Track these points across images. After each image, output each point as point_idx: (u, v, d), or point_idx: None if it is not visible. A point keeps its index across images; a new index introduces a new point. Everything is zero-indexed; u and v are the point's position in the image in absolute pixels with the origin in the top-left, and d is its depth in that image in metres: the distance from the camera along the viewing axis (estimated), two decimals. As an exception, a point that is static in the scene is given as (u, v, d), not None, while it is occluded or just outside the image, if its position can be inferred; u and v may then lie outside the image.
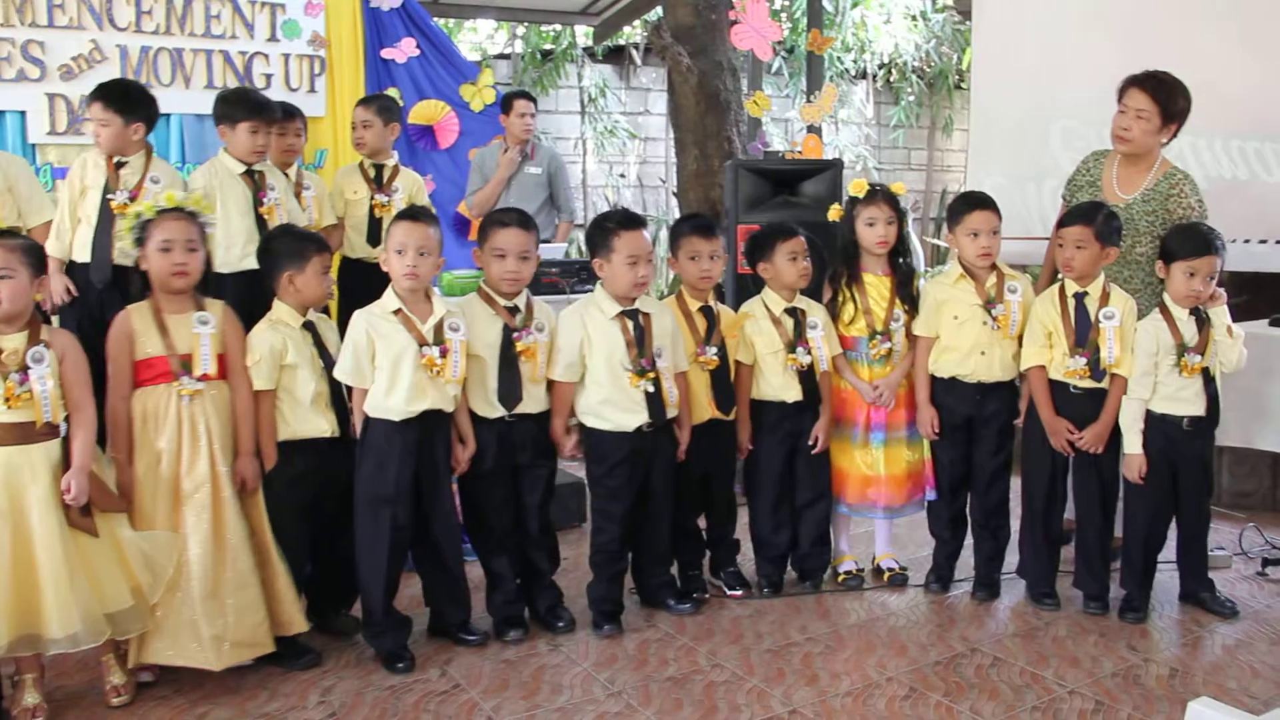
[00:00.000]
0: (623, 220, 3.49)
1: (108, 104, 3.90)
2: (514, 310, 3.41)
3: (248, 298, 3.63)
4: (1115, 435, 3.58)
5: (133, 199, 3.87)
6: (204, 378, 3.08)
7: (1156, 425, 3.50)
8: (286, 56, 5.90)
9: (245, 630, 3.08)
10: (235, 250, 3.98)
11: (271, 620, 3.16)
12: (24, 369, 2.80)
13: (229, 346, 3.17)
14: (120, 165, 3.95)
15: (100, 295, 3.88)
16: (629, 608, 3.64)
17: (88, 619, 2.80)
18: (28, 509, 2.79)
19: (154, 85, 5.33)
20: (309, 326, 3.32)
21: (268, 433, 3.22)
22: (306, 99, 5.78)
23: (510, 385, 3.37)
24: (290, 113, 4.55)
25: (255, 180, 4.07)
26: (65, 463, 2.86)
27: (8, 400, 2.78)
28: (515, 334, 3.37)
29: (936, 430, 3.76)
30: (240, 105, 4.08)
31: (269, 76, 5.84)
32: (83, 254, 3.92)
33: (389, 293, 3.27)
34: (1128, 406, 3.53)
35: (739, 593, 3.81)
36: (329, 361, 3.29)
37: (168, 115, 5.38)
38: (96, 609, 2.83)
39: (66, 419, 2.89)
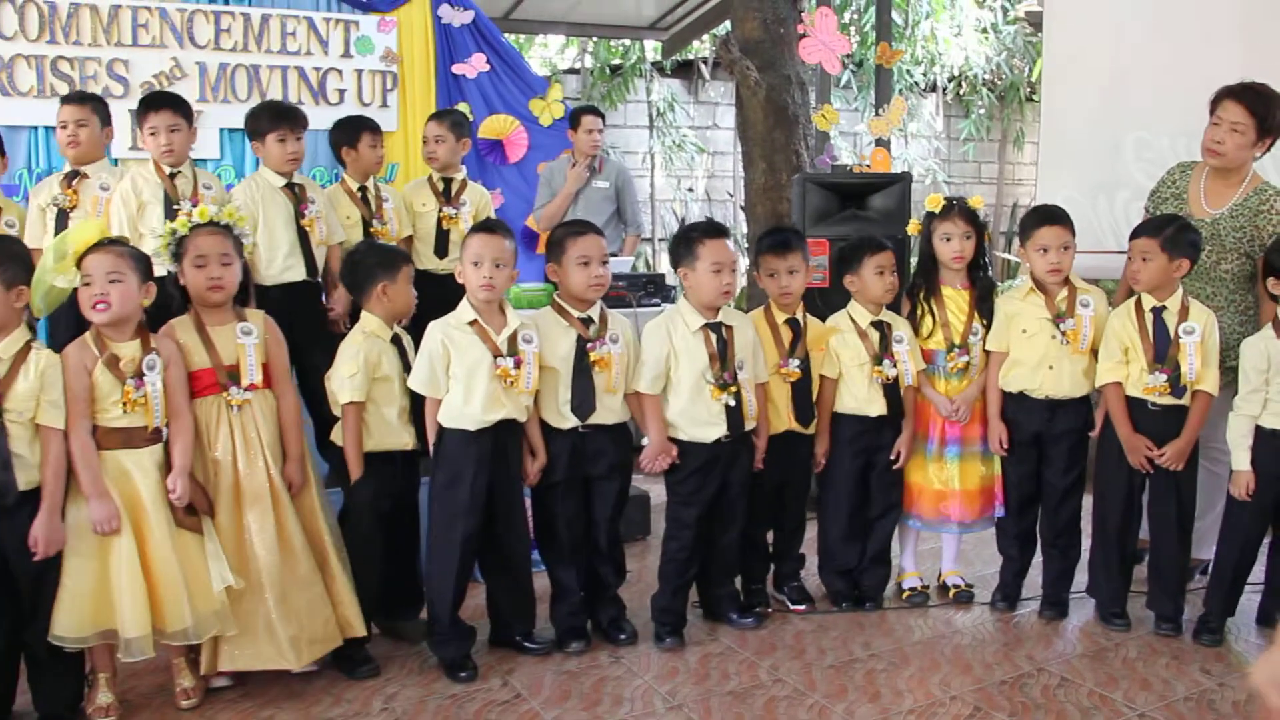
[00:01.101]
0: (707, 229, 3.50)
1: (177, 110, 4.01)
2: (587, 321, 3.42)
3: (289, 309, 3.70)
4: (1193, 453, 3.51)
5: (195, 206, 3.97)
6: (251, 387, 3.12)
7: (1268, 441, 3.40)
8: (360, 72, 6.02)
9: (317, 627, 3.13)
10: (277, 263, 4.05)
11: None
12: (140, 375, 2.90)
13: (271, 355, 3.22)
14: (173, 177, 4.04)
15: (177, 306, 3.96)
16: (691, 621, 3.63)
17: (198, 615, 2.90)
18: (145, 510, 2.89)
19: (231, 101, 5.47)
20: (396, 339, 3.37)
21: (356, 445, 3.26)
22: (379, 114, 5.87)
23: (584, 396, 3.38)
24: (374, 128, 4.62)
25: (296, 193, 4.14)
26: (164, 466, 2.96)
27: (126, 405, 2.87)
28: (589, 345, 3.38)
29: (1006, 446, 3.71)
30: (264, 117, 4.16)
31: (342, 92, 5.97)
32: (159, 268, 4.00)
33: (464, 304, 3.30)
34: (1235, 423, 3.44)
35: (802, 608, 3.79)
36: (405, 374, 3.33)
37: (243, 131, 5.50)
38: (204, 605, 2.93)
39: (166, 424, 2.98)
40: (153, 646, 2.87)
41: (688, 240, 3.49)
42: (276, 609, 3.05)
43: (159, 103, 4.06)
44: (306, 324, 3.97)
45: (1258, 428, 3.41)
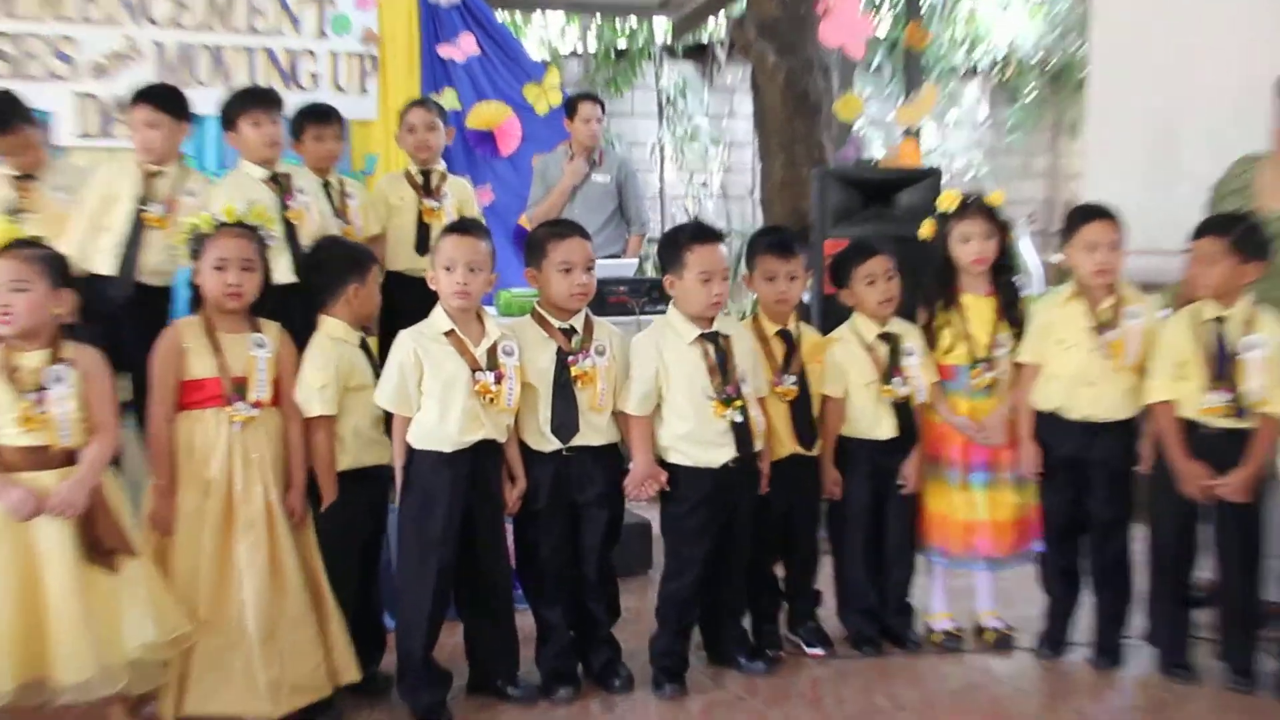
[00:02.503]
0: (695, 233, 3.49)
1: (159, 105, 4.03)
2: (569, 332, 3.41)
3: (279, 314, 3.68)
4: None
5: (169, 211, 4.00)
6: (258, 404, 3.13)
7: None
8: (335, 55, 6.05)
9: (303, 673, 3.11)
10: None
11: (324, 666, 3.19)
12: (42, 389, 2.86)
13: (283, 372, 3.23)
14: (154, 175, 4.06)
15: (120, 311, 3.95)
16: (694, 665, 3.60)
17: (103, 665, 2.83)
18: (36, 542, 2.84)
19: (191, 85, 5.47)
20: (364, 345, 3.37)
21: (328, 464, 3.25)
22: (357, 101, 5.91)
23: (566, 415, 3.37)
24: (326, 114, 4.61)
25: (280, 184, 4.16)
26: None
27: (24, 422, 2.83)
28: (570, 358, 3.37)
29: (1039, 471, 3.67)
30: (234, 101, 4.19)
31: (316, 76, 5.99)
32: (105, 266, 4.01)
33: (438, 312, 3.30)
34: None
35: (819, 651, 3.76)
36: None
37: (203, 119, 5.48)
38: (115, 654, 2.86)
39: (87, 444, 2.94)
40: (40, 695, 2.81)
41: (674, 245, 3.48)
42: (259, 649, 3.03)
43: (144, 96, 4.08)
44: (295, 328, 3.97)
45: None
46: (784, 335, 3.68)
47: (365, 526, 3.34)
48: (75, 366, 2.93)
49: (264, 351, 3.16)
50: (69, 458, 2.90)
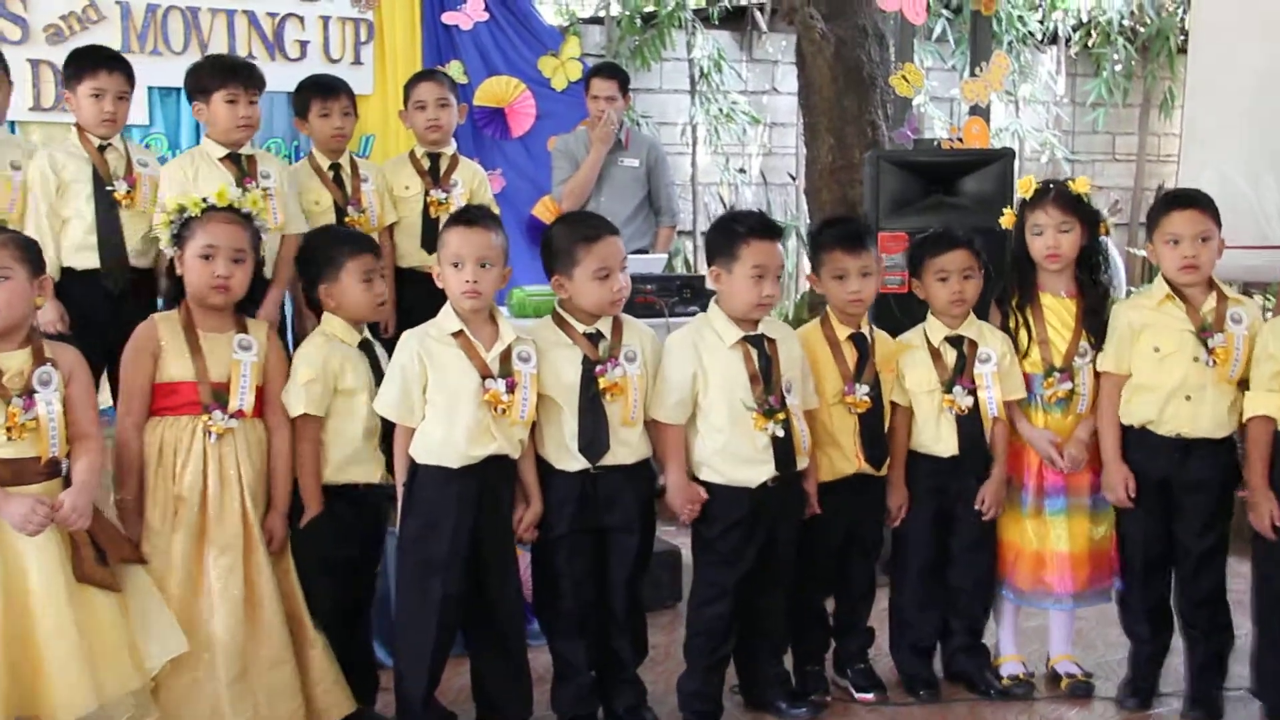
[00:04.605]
0: (756, 226, 3.51)
1: (116, 69, 4.10)
2: (595, 337, 3.44)
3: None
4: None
5: (132, 186, 4.08)
6: (238, 414, 3.17)
7: None
8: (326, 20, 6.07)
9: (279, 717, 3.15)
10: None
11: (307, 706, 3.23)
12: (29, 392, 2.89)
13: (269, 379, 3.27)
14: (103, 150, 4.13)
15: (115, 305, 4.04)
16: (728, 710, 3.64)
17: (104, 698, 2.87)
18: (26, 567, 2.86)
19: (163, 53, 5.54)
20: (366, 346, 3.42)
21: (311, 470, 3.30)
22: (350, 72, 5.92)
23: (595, 432, 3.39)
24: (332, 87, 4.69)
25: (241, 166, 4.22)
26: None
27: (9, 430, 2.86)
28: (598, 367, 3.40)
29: (1132, 495, 3.65)
30: (209, 71, 4.25)
31: (304, 44, 6.01)
32: (84, 259, 4.10)
33: (447, 312, 3.35)
34: None
35: (870, 696, 3.78)
36: None
37: (178, 91, 5.50)
38: (115, 684, 2.90)
39: (68, 454, 2.98)
40: None
41: (729, 233, 3.51)
42: (230, 690, 3.07)
43: (112, 63, 4.15)
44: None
45: None
46: (856, 340, 3.70)
47: (348, 551, 3.38)
48: (58, 368, 2.97)
49: (249, 355, 3.20)
50: (52, 469, 2.94)
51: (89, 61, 4.16)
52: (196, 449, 3.14)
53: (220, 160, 4.22)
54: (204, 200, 3.23)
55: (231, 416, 3.16)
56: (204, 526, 3.13)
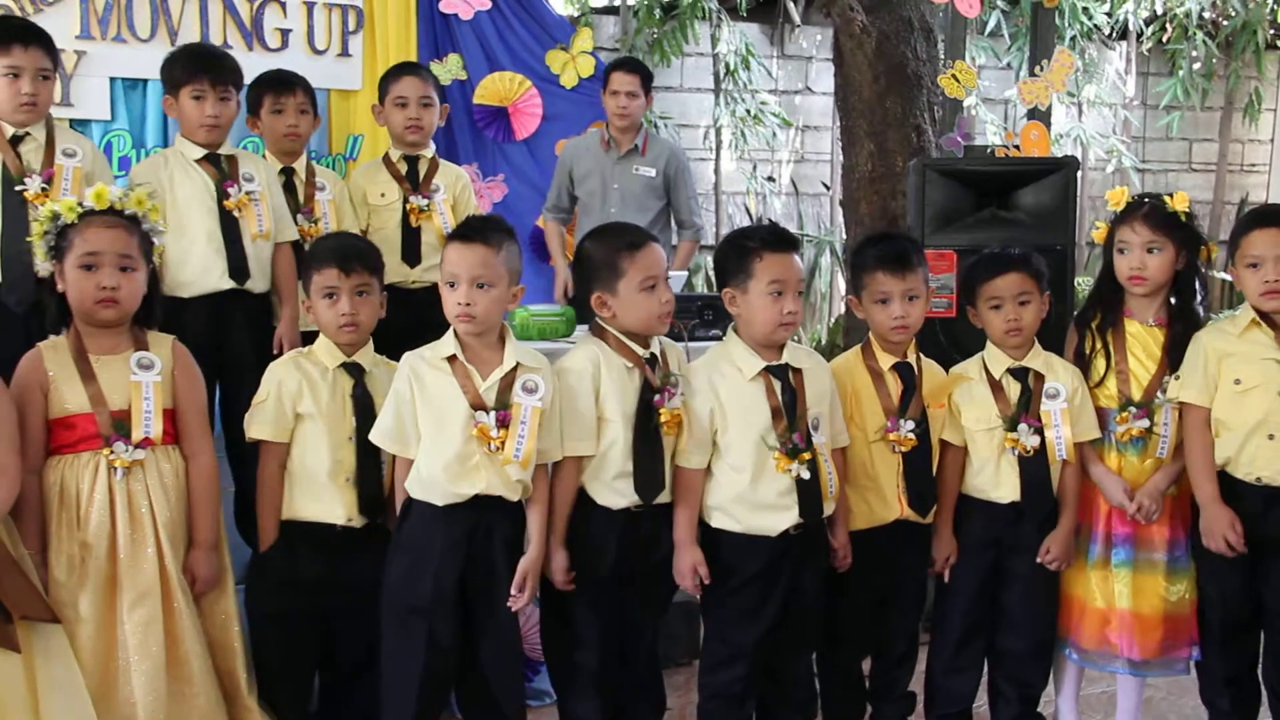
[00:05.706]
0: (769, 238, 3.50)
1: (33, 42, 3.95)
2: (651, 362, 3.42)
3: (213, 331, 3.71)
4: None
5: (49, 183, 3.94)
6: (145, 443, 3.13)
7: None
8: (310, 7, 6.06)
9: None
10: (191, 264, 4.08)
11: None
12: None
13: (181, 398, 3.24)
14: (17, 141, 4.00)
15: (23, 323, 3.91)
16: (749, 782, 3.61)
17: None
18: None
19: (127, 40, 5.53)
20: (353, 370, 3.40)
21: (269, 501, 3.30)
22: (337, 65, 5.93)
23: (652, 469, 3.40)
24: (285, 81, 4.66)
25: (221, 168, 4.18)
26: None
27: None
28: (656, 397, 3.38)
29: (1240, 544, 3.54)
30: (179, 64, 4.20)
31: (285, 33, 6.00)
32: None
33: (450, 334, 3.34)
34: None
35: (911, 770, 3.77)
36: (371, 421, 3.35)
37: (145, 83, 5.55)
38: None
39: None
40: None
41: (739, 249, 3.50)
42: None
43: (29, 35, 4.02)
44: (236, 353, 4.04)
45: None
46: (902, 370, 3.68)
47: (299, 602, 3.34)
48: None
49: (150, 374, 3.16)
50: None
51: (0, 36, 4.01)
52: (101, 488, 3.09)
53: (197, 161, 4.18)
54: (80, 204, 3.16)
55: (137, 447, 3.12)
56: (115, 575, 3.08)
